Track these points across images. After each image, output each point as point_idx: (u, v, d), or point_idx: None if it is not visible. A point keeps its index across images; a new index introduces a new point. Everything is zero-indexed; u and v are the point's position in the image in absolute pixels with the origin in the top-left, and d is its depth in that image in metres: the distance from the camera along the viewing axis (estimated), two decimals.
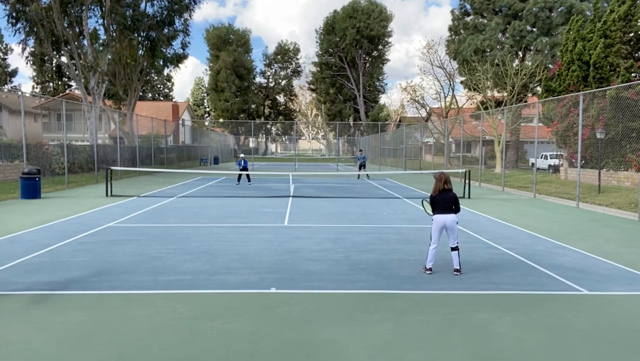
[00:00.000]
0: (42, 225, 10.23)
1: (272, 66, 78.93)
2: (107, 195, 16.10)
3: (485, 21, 38.76)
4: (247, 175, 21.78)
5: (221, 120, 65.77)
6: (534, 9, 35.56)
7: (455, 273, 6.60)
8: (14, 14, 27.05)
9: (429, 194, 6.94)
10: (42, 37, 27.61)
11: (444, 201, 6.66)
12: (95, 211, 12.63)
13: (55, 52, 30.44)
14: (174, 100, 70.63)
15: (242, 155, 22.75)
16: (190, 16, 34.89)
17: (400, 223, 11.22)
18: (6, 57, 61.61)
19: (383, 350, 4.22)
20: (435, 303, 5.47)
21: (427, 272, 6.65)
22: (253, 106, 73.94)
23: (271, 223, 10.88)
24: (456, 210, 6.72)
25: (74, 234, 9.25)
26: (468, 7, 40.28)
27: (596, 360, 4.10)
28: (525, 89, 34.85)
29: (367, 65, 68.61)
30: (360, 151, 29.79)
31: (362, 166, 26.14)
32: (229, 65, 68.40)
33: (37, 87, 63.05)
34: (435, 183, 6.75)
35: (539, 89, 33.25)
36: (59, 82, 61.05)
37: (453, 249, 6.66)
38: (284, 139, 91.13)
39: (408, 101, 47.55)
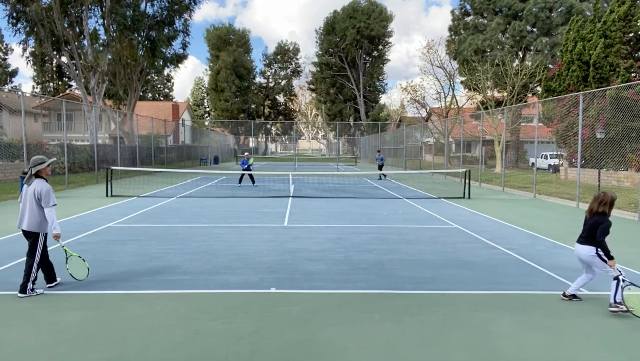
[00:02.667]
0: None
1: (272, 66, 78.96)
2: (107, 195, 16.10)
3: (486, 21, 38.77)
4: (251, 176, 21.15)
5: (214, 122, 65.70)
6: (534, 9, 35.56)
7: (611, 309, 5.18)
8: (14, 14, 27.04)
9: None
10: (42, 37, 27.60)
11: (584, 226, 5.47)
12: (95, 211, 12.63)
13: (55, 52, 30.44)
14: (174, 100, 70.66)
15: (246, 154, 21.79)
16: (190, 16, 34.89)
17: (400, 223, 11.22)
18: (6, 57, 61.65)
19: (383, 350, 4.22)
20: (435, 303, 5.47)
21: (563, 298, 5.65)
22: (253, 106, 73.95)
23: (271, 223, 10.88)
24: (596, 243, 5.28)
25: (74, 234, 9.25)
26: (468, 7, 40.29)
27: (596, 360, 4.10)
28: (525, 89, 34.85)
29: (367, 65, 68.63)
30: (379, 152, 29.60)
31: (380, 167, 26.41)
32: (229, 65, 68.41)
33: (37, 87, 63.05)
34: (590, 202, 5.56)
35: (539, 89, 33.26)
36: (59, 82, 61.04)
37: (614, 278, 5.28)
38: (284, 139, 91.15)
39: (408, 101, 47.59)
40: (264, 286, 6.01)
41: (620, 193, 17.36)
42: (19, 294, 5.55)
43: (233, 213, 12.40)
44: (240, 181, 21.57)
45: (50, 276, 5.89)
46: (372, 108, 67.51)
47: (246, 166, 20.88)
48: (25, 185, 5.72)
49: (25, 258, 5.72)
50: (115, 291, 5.76)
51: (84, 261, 6.03)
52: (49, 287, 5.83)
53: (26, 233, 5.69)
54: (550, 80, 26.16)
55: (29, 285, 5.58)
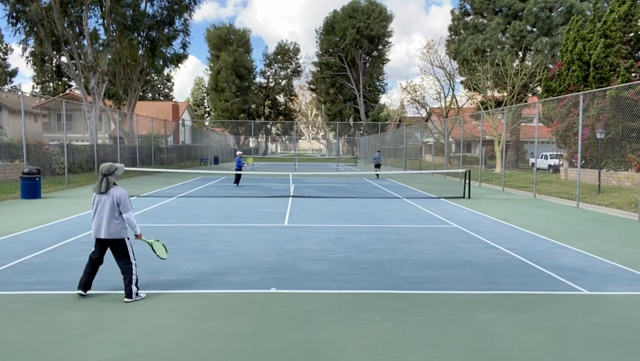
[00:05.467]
0: (42, 225, 10.23)
1: (272, 66, 78.97)
2: None
3: (486, 21, 38.75)
4: (239, 175, 20.71)
5: (213, 122, 65.62)
6: (534, 9, 35.55)
7: None
8: (14, 14, 27.03)
9: None
10: (42, 37, 27.59)
11: None
12: None
13: (55, 52, 30.43)
14: (174, 100, 70.65)
15: (239, 152, 21.75)
16: (190, 16, 34.92)
17: (400, 223, 11.22)
18: (6, 57, 61.65)
19: (383, 350, 4.22)
20: (435, 303, 5.47)
21: None
22: (253, 106, 73.95)
23: (271, 223, 10.88)
24: None
25: (74, 234, 9.24)
26: (468, 7, 40.27)
27: (596, 360, 4.10)
28: (525, 89, 34.85)
29: (367, 65, 68.61)
30: (379, 152, 30.87)
31: (377, 166, 27.36)
32: (229, 65, 68.42)
33: (37, 87, 63.07)
34: None
35: (539, 89, 33.25)
36: (59, 82, 61.04)
37: None
38: (284, 139, 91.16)
39: (408, 101, 47.58)
40: (264, 286, 6.01)
41: (620, 192, 17.36)
42: (127, 300, 5.40)
43: (233, 213, 12.40)
44: (236, 181, 20.91)
45: (88, 283, 5.61)
46: (372, 108, 67.51)
47: (240, 165, 20.92)
48: (99, 194, 5.51)
49: (120, 268, 5.56)
50: (116, 291, 5.75)
51: (163, 245, 6.01)
52: (82, 295, 5.54)
53: (105, 242, 5.53)
54: (550, 80, 26.15)
55: (134, 288, 5.45)
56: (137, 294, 5.49)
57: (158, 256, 5.89)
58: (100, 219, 5.45)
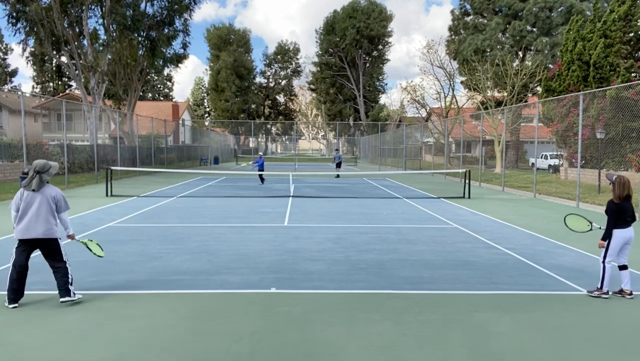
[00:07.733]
0: None
1: (272, 66, 78.96)
2: (107, 195, 16.10)
3: (485, 21, 38.76)
4: (260, 175, 21.72)
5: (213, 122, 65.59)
6: (534, 9, 35.56)
7: (629, 296, 5.66)
8: (14, 14, 27.02)
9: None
10: (42, 37, 27.58)
11: (628, 211, 5.59)
12: (95, 211, 12.62)
13: (55, 52, 30.43)
14: (174, 100, 70.64)
15: (260, 153, 23.70)
16: (190, 16, 34.89)
17: (400, 223, 11.22)
18: (6, 57, 61.65)
19: (383, 350, 4.22)
20: (435, 303, 5.47)
21: (604, 296, 5.68)
22: (253, 106, 73.96)
23: (271, 223, 10.88)
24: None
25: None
26: (468, 7, 40.28)
27: (596, 360, 4.10)
28: (525, 89, 34.84)
29: (367, 65, 68.62)
30: (337, 150, 30.83)
31: (338, 165, 27.76)
32: (229, 65, 68.41)
33: (37, 87, 63.05)
34: (618, 188, 5.63)
35: (539, 89, 33.23)
36: (59, 82, 61.06)
37: (623, 267, 5.70)
38: (284, 139, 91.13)
39: (408, 101, 47.58)
40: (264, 286, 6.01)
41: None
42: (64, 299, 5.20)
43: (233, 213, 12.40)
44: (262, 180, 21.84)
45: (20, 293, 5.25)
46: (372, 108, 67.51)
47: (258, 165, 21.70)
48: (29, 192, 5.22)
49: (52, 268, 5.32)
50: (115, 291, 5.76)
51: (97, 244, 6.01)
52: (14, 307, 5.16)
53: (36, 242, 5.24)
54: (550, 80, 26.14)
55: (71, 288, 5.26)
56: (74, 293, 5.26)
57: (95, 254, 5.88)
58: (32, 219, 5.17)
